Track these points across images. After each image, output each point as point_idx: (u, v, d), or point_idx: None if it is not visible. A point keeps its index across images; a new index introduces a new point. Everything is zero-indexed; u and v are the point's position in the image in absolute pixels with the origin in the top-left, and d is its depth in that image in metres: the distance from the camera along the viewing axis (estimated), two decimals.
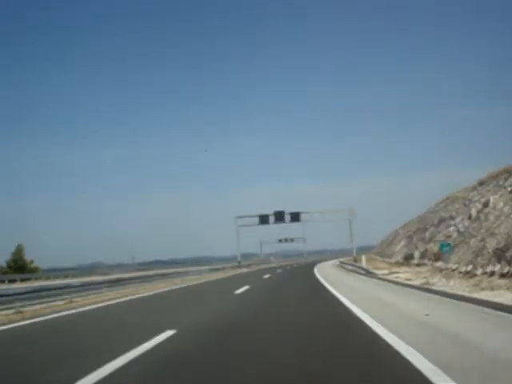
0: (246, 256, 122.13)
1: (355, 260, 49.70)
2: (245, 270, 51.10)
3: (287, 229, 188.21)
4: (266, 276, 30.34)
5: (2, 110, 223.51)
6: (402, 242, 43.59)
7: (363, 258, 35.90)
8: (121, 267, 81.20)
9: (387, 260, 43.12)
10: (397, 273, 24.30)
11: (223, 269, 46.21)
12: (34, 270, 57.05)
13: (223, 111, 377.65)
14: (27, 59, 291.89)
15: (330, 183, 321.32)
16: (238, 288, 18.15)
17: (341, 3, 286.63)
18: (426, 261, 27.41)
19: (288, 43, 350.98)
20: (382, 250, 56.38)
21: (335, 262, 60.55)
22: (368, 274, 26.78)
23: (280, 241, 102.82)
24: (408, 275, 21.31)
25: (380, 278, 21.44)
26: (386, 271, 26.43)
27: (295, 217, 57.07)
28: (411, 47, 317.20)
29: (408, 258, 34.66)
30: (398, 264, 34.04)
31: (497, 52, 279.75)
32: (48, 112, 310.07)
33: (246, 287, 19.02)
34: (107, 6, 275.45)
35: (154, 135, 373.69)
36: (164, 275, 27.90)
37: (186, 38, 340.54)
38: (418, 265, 28.44)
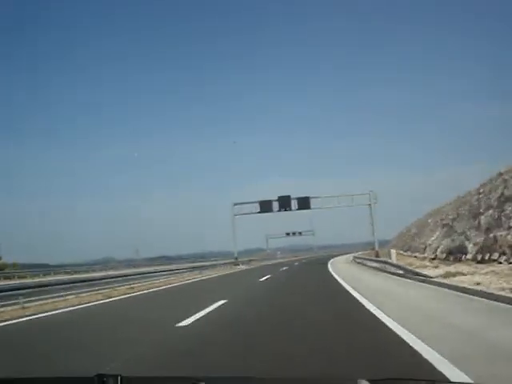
0: (251, 251, 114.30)
1: (377, 255, 41.03)
2: (242, 267, 42.73)
3: (295, 220, 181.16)
4: (264, 278, 21.89)
5: (2, 110, 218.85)
6: (437, 233, 34.95)
7: (393, 252, 27.31)
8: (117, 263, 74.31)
9: (418, 255, 34.57)
10: (460, 274, 15.65)
11: (213, 266, 37.46)
12: (2, 268, 51.33)
13: (223, 111, 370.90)
14: (27, 59, 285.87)
15: (330, 182, 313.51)
16: (201, 307, 9.71)
17: (341, 3, 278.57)
18: (495, 256, 18.82)
19: (288, 43, 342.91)
20: (405, 243, 47.87)
21: (350, 257, 51.94)
22: (408, 274, 18.24)
23: (287, 234, 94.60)
24: (495, 279, 12.63)
25: (446, 286, 12.82)
26: (440, 271, 17.79)
27: (303, 203, 47.95)
28: (411, 47, 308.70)
29: (453, 253, 26.14)
30: (442, 260, 25.44)
31: (497, 52, 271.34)
32: (48, 112, 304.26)
33: (220, 302, 10.70)
34: (107, 6, 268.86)
35: (153, 135, 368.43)
36: (107, 280, 18.58)
37: (186, 38, 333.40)
38: (480, 261, 19.86)
